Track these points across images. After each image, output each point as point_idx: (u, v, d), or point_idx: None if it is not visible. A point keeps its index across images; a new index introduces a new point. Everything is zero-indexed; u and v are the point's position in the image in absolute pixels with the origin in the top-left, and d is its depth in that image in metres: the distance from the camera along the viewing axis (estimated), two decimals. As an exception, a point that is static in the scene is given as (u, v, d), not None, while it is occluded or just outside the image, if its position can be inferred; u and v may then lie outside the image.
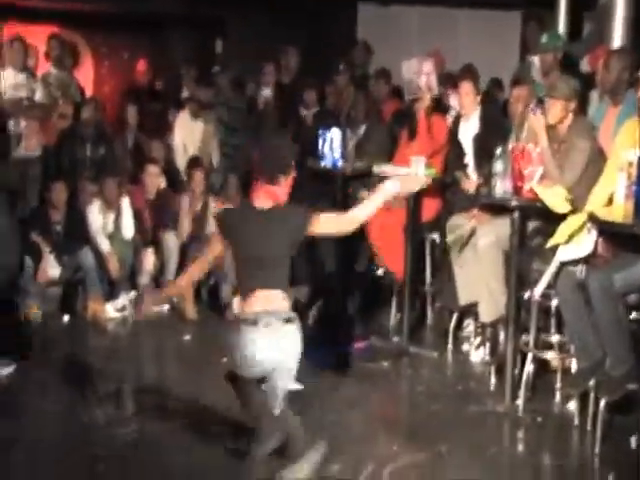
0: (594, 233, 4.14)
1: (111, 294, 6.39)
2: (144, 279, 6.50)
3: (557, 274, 4.34)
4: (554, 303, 4.57)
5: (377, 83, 6.95)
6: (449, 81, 6.29)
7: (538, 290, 4.47)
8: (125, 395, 5.04)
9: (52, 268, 6.25)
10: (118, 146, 7.25)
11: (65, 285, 6.37)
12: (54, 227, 6.39)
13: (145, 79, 8.22)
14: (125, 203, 6.48)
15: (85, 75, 8.39)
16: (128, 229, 6.49)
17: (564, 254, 4.28)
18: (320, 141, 5.87)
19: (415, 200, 5.57)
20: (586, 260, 4.22)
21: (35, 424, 4.39)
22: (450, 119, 6.04)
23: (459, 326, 5.70)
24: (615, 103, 5.05)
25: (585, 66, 6.12)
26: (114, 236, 6.46)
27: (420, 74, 5.69)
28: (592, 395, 4.22)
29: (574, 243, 4.22)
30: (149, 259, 6.47)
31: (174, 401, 4.70)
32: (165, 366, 5.67)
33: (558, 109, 4.68)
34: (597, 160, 4.54)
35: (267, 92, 7.53)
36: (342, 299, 6.10)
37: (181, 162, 7.35)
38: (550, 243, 4.33)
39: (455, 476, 3.92)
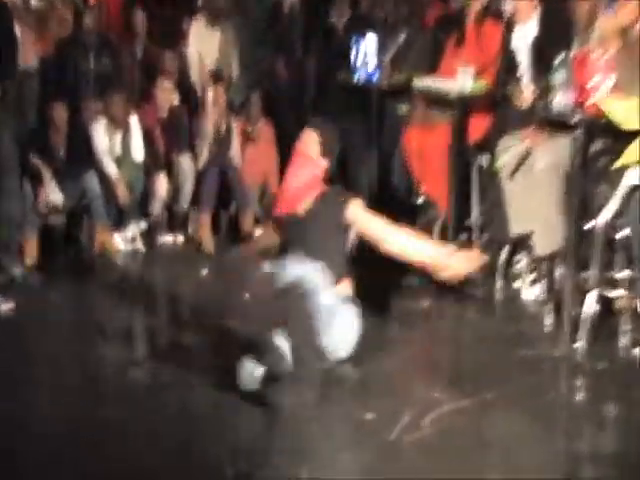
0: None
1: (120, 223, 6.32)
2: (156, 207, 6.44)
3: (627, 200, 4.24)
4: (622, 234, 4.44)
5: None
6: None
7: (603, 218, 4.35)
8: (137, 335, 5.01)
9: (54, 195, 6.14)
10: (125, 57, 7.10)
11: (69, 214, 6.30)
12: (55, 150, 6.29)
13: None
14: (134, 121, 6.39)
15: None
16: (138, 151, 6.41)
17: (634, 177, 4.13)
18: (353, 51, 5.74)
19: (461, 118, 5.44)
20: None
21: (39, 364, 4.41)
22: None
23: (510, 261, 5.56)
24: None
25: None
26: (122, 159, 6.38)
27: None
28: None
29: None
30: (162, 184, 6.39)
31: (189, 340, 4.66)
32: (179, 303, 5.57)
33: (631, 9, 4.44)
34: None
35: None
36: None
37: (196, 75, 7.20)
38: (618, 163, 4.21)
39: (503, 427, 3.80)
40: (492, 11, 5.83)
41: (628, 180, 4.15)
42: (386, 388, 4.10)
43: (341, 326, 3.98)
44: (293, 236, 4.18)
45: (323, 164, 4.26)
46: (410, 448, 3.53)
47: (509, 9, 5.81)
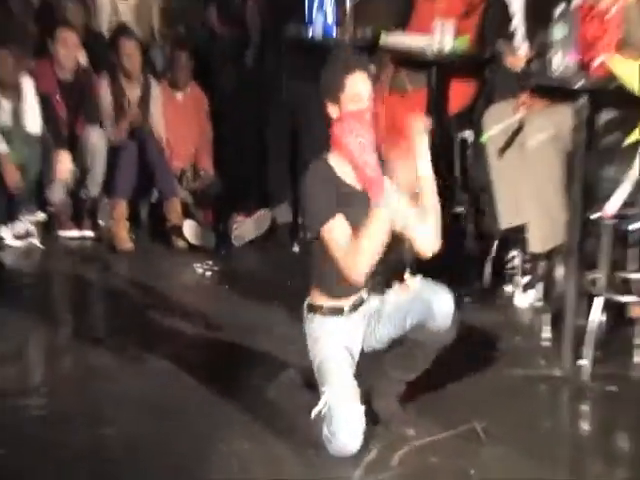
0: None
1: (9, 215, 6.34)
2: (57, 193, 6.44)
3: None
4: (635, 226, 4.56)
5: None
6: None
7: (611, 207, 4.45)
8: (32, 359, 5.04)
9: None
10: (16, 3, 7.11)
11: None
12: None
13: None
14: (27, 85, 6.39)
15: None
16: (33, 122, 6.41)
17: None
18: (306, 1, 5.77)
19: (439, 82, 5.54)
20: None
21: None
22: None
23: (500, 259, 5.68)
24: None
25: None
26: (13, 132, 6.39)
27: None
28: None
29: None
30: (64, 164, 6.39)
31: (100, 363, 4.69)
32: (87, 317, 5.60)
33: None
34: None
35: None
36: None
37: (108, 29, 7.27)
38: (629, 140, 4.32)
39: (497, 460, 3.89)
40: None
41: None
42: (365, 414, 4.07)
43: None
44: None
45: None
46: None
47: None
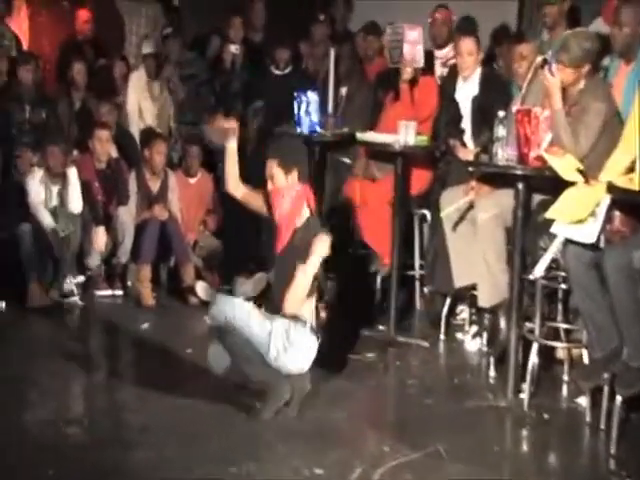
0: (600, 219, 4.08)
1: (56, 278, 6.25)
2: (94, 260, 6.37)
3: (565, 251, 4.28)
4: (562, 286, 4.56)
5: (365, 40, 6.79)
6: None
7: (539, 269, 4.40)
8: (74, 394, 4.95)
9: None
10: (62, 108, 7.08)
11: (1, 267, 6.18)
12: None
13: (88, 31, 7.95)
14: (72, 173, 6.30)
15: (19, 26, 8.10)
16: (75, 202, 6.30)
17: (564, 231, 4.21)
18: (295, 105, 5.79)
19: (403, 171, 5.51)
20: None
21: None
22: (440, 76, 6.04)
23: (452, 312, 5.68)
24: (627, 61, 4.96)
25: (600, 25, 5.99)
26: (59, 211, 6.31)
27: (405, 42, 5.61)
28: (606, 389, 4.17)
29: (576, 225, 4.16)
30: (100, 238, 6.32)
31: (130, 397, 4.62)
32: (119, 360, 5.55)
33: (568, 74, 4.60)
34: (614, 124, 4.50)
35: (234, 48, 7.38)
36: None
37: (135, 128, 7.26)
38: (549, 214, 4.26)
39: (459, 476, 3.85)
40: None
41: (556, 233, 4.23)
42: (335, 442, 4.12)
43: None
44: (277, 272, 4.39)
45: (294, 184, 4.39)
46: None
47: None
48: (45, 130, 6.76)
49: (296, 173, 4.40)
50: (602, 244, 4.14)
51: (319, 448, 4.01)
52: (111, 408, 4.61)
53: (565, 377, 4.75)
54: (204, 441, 4.07)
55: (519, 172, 4.52)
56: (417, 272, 6.01)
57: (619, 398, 4.03)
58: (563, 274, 4.49)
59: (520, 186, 4.56)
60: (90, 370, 5.08)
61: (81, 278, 6.31)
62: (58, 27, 8.34)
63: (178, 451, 3.96)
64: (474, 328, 5.46)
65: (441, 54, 6.36)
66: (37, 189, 6.28)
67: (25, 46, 7.89)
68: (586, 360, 4.46)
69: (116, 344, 5.80)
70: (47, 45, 8.25)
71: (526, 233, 4.61)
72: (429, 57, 6.04)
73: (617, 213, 4.11)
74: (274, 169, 4.39)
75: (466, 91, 5.54)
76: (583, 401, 4.46)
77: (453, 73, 5.75)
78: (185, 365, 5.07)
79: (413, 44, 5.63)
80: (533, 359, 4.60)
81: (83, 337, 5.85)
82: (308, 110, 5.79)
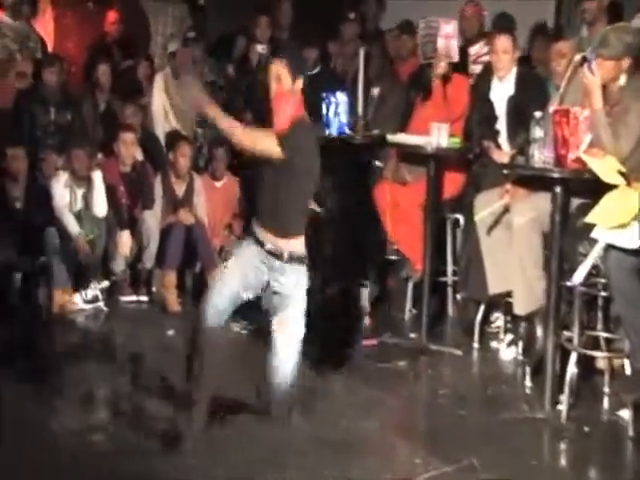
0: None
1: (80, 283, 6.21)
2: (119, 265, 6.34)
3: (605, 256, 4.21)
4: (602, 293, 4.49)
5: (399, 39, 6.73)
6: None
7: (579, 275, 4.32)
8: (100, 400, 4.88)
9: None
10: (87, 111, 7.07)
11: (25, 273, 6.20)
12: (12, 203, 6.23)
13: (116, 32, 7.93)
14: (97, 177, 6.29)
15: (45, 28, 8.10)
16: (100, 206, 6.30)
17: (604, 236, 4.16)
18: (324, 106, 5.72)
19: (435, 174, 5.46)
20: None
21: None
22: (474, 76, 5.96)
23: (486, 320, 5.59)
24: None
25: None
26: (83, 215, 6.30)
27: (438, 36, 5.56)
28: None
29: (618, 230, 4.11)
30: (125, 242, 6.30)
31: (155, 405, 4.54)
32: (144, 365, 5.47)
33: (608, 69, 4.48)
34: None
35: (261, 48, 7.32)
36: (351, 290, 5.97)
37: (161, 130, 7.22)
38: (589, 219, 4.21)
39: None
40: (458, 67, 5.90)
41: (597, 238, 4.17)
42: (365, 452, 4.07)
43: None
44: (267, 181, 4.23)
45: (298, 93, 4.20)
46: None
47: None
48: (70, 132, 6.77)
49: (301, 82, 4.20)
50: (645, 249, 4.05)
51: (349, 458, 3.97)
52: (136, 415, 4.51)
53: (606, 388, 4.65)
54: (232, 449, 3.99)
55: (557, 175, 4.44)
56: (450, 278, 5.95)
57: (663, 411, 3.94)
58: (603, 281, 4.43)
59: (558, 189, 4.48)
60: (114, 377, 5.02)
61: (106, 283, 6.31)
62: (83, 29, 8.35)
63: (205, 460, 3.90)
64: (509, 336, 5.38)
65: (472, 51, 6.30)
66: (62, 192, 6.28)
67: (50, 48, 7.90)
68: (628, 371, 4.43)
69: (141, 351, 5.72)
70: (72, 47, 8.26)
71: (564, 238, 4.53)
72: (462, 54, 5.95)
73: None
74: (281, 70, 4.16)
75: (501, 91, 5.44)
76: (625, 414, 4.36)
77: (487, 71, 5.65)
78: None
79: (448, 38, 5.60)
80: (571, 369, 4.50)
81: (107, 344, 5.78)
82: (337, 111, 5.73)
